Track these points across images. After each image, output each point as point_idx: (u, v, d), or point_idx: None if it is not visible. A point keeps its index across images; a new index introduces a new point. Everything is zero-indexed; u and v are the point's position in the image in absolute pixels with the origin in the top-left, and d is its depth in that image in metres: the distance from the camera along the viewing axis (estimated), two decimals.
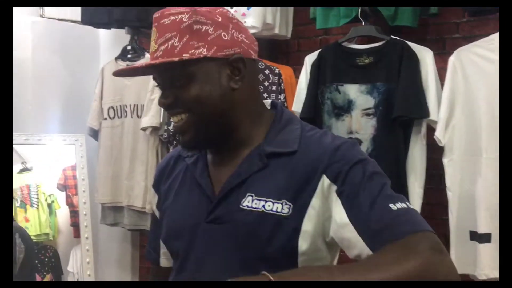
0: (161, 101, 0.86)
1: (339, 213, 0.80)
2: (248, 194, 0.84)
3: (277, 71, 2.09)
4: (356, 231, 0.79)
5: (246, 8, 2.09)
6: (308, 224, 0.81)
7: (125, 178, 2.40)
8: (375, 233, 0.77)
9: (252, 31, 2.10)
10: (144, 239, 2.71)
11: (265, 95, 2.07)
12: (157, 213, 0.99)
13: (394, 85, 1.82)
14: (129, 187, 2.39)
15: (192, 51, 0.81)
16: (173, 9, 0.83)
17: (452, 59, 1.74)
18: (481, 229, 1.68)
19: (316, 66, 1.95)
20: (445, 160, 1.76)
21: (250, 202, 0.83)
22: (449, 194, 1.75)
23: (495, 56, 1.67)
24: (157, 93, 2.25)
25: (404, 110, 1.78)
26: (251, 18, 2.06)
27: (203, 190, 0.88)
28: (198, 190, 0.89)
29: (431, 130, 1.83)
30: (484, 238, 1.68)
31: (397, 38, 1.85)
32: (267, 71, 2.09)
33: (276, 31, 2.13)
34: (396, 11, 1.87)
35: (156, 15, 0.84)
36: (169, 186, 0.95)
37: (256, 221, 0.82)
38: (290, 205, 0.81)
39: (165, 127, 2.26)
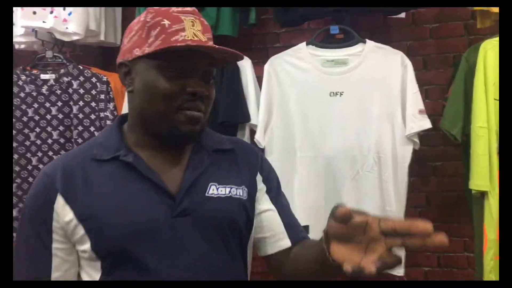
0: (202, 88, 0.86)
1: (271, 207, 0.98)
2: (210, 184, 0.91)
3: (104, 79, 2.03)
4: (281, 223, 0.97)
5: (67, 14, 2.00)
6: (257, 206, 0.97)
7: None
8: (293, 227, 0.99)
9: (74, 37, 2.02)
10: None
11: (93, 104, 2.01)
12: (58, 231, 0.87)
13: (217, 91, 1.89)
14: None
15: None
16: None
17: (266, 67, 1.87)
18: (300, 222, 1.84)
19: None
20: None
21: (215, 190, 0.91)
22: None
23: (304, 64, 1.85)
24: None
25: (227, 116, 1.87)
26: (73, 24, 1.98)
27: (159, 187, 0.87)
28: (151, 188, 0.87)
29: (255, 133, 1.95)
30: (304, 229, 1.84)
31: None
32: (94, 79, 2.02)
33: (102, 37, 2.08)
34: (218, 21, 1.95)
35: (190, 8, 0.90)
36: (94, 191, 0.86)
37: (226, 205, 0.91)
38: (246, 190, 0.94)
39: None
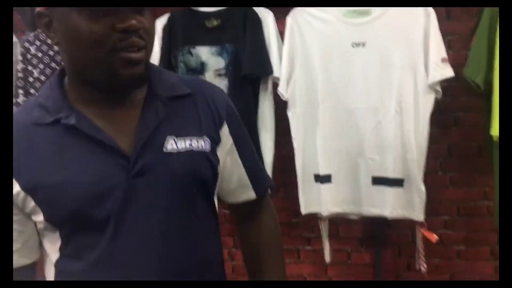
0: (133, 22, 0.74)
1: (237, 160, 0.93)
2: (167, 137, 0.82)
3: None
4: (245, 173, 0.95)
5: None
6: (220, 156, 0.90)
7: None
8: (257, 179, 0.97)
9: None
10: None
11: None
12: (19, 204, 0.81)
13: (241, 45, 1.92)
14: None
15: None
16: None
17: (289, 20, 1.88)
18: (322, 171, 1.89)
19: (167, 30, 1.98)
20: (289, 113, 1.93)
21: (174, 144, 0.82)
22: (295, 143, 1.94)
23: (325, 15, 1.85)
24: None
25: (251, 68, 1.90)
26: None
27: (110, 147, 0.79)
28: (100, 150, 0.79)
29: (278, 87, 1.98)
30: (325, 178, 1.90)
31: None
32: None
33: None
34: None
35: None
36: (38, 159, 0.79)
37: (187, 161, 0.82)
38: (208, 141, 0.85)
39: (14, 100, 2.13)
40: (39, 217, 0.81)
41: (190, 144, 0.83)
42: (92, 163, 0.79)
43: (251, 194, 0.98)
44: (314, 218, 2.03)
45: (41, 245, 0.87)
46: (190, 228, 0.85)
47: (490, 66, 1.67)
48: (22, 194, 0.79)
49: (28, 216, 0.82)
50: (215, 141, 0.88)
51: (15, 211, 0.82)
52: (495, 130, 1.64)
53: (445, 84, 1.97)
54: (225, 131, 0.90)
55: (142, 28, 0.76)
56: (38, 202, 0.79)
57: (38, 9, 0.79)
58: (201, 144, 0.84)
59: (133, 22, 0.74)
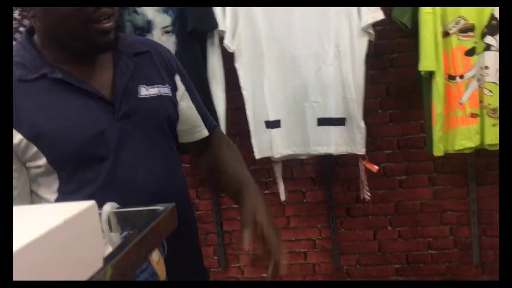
0: None
1: (190, 104, 1.09)
2: (140, 86, 0.96)
3: None
4: (199, 116, 1.11)
5: None
6: (182, 103, 1.07)
7: None
8: (207, 118, 1.13)
9: None
10: None
11: None
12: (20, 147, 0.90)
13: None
14: None
15: None
16: None
17: None
18: (271, 117, 2.03)
19: None
20: (237, 65, 2.03)
21: (145, 91, 0.97)
22: (244, 93, 2.05)
23: None
24: None
25: (196, 24, 1.98)
26: None
27: (95, 95, 0.91)
28: (88, 99, 0.91)
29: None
30: (275, 124, 2.04)
31: None
32: None
33: None
34: None
35: None
36: (34, 110, 0.89)
37: (159, 104, 0.98)
38: (169, 88, 1.01)
39: None
40: (41, 161, 0.91)
41: (158, 90, 0.99)
42: (83, 110, 0.91)
43: (204, 132, 1.13)
44: (269, 162, 2.18)
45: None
46: (167, 158, 1.02)
47: (416, 7, 1.82)
48: (24, 141, 0.89)
49: (24, 163, 0.92)
50: (173, 88, 1.04)
51: (14, 161, 0.90)
52: (421, 66, 1.80)
53: (380, 28, 2.12)
54: (177, 79, 1.06)
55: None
56: (40, 147, 0.90)
57: None
58: (165, 90, 1.01)
59: None
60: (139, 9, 2.02)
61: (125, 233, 0.64)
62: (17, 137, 0.89)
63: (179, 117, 1.06)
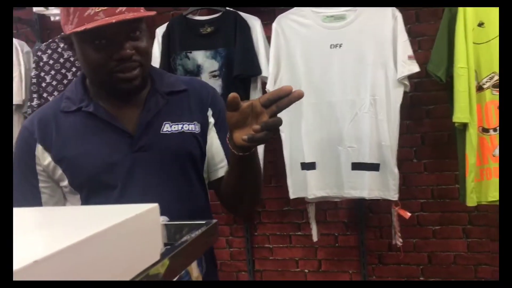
0: (127, 52, 0.94)
1: (215, 136, 1.09)
2: (164, 122, 1.02)
3: None
4: (222, 149, 1.08)
5: None
6: (208, 138, 1.08)
7: None
8: (228, 154, 1.08)
9: None
10: None
11: None
12: (42, 169, 1.02)
13: (232, 49, 2.16)
14: None
15: (142, 10, 0.98)
16: None
17: (274, 25, 2.12)
18: (307, 159, 2.12)
19: (166, 37, 2.22)
20: None
21: (169, 127, 1.02)
22: (282, 135, 2.16)
23: (306, 20, 2.09)
24: (19, 70, 2.35)
25: (241, 69, 2.14)
26: None
27: (119, 128, 1.00)
28: (111, 131, 1.00)
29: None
30: (310, 166, 2.12)
31: (231, 9, 2.19)
32: None
33: None
34: None
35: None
36: (64, 137, 1.02)
37: (179, 139, 1.02)
38: (199, 125, 1.05)
39: (28, 104, 2.37)
40: (65, 182, 1.04)
41: (182, 127, 1.04)
42: (104, 141, 1.01)
43: (225, 170, 1.09)
44: (303, 204, 2.24)
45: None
46: (183, 193, 1.04)
47: (450, 61, 1.90)
48: (53, 164, 1.03)
49: (57, 183, 1.05)
50: (204, 123, 1.07)
51: (47, 180, 1.05)
52: (455, 118, 1.86)
53: (417, 80, 2.21)
54: (209, 114, 1.09)
55: (135, 53, 0.96)
56: (64, 170, 1.03)
57: (62, 34, 1.02)
58: (191, 127, 1.05)
59: (126, 51, 0.94)
60: (190, 55, 2.21)
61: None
62: (47, 159, 1.02)
63: (205, 155, 1.07)
